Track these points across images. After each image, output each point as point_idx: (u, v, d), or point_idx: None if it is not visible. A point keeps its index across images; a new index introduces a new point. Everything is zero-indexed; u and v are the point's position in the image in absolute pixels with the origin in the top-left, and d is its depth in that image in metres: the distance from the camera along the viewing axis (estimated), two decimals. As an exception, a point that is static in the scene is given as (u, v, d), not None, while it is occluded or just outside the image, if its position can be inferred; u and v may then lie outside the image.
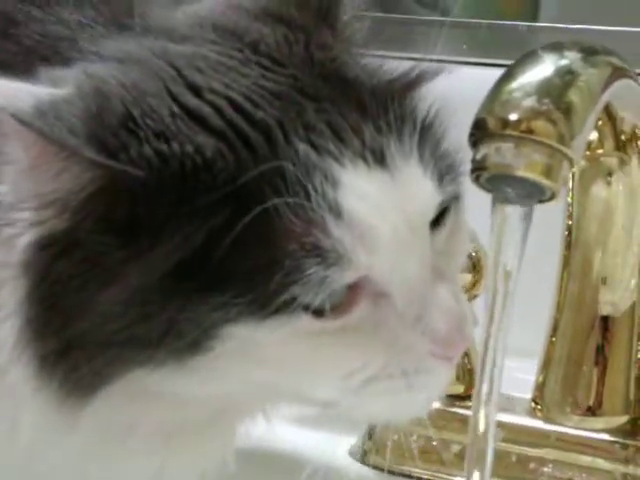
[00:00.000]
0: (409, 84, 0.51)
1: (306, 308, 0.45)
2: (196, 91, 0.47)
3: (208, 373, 0.46)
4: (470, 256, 0.66)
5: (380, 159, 0.46)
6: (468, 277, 0.67)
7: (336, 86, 0.48)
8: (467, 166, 0.51)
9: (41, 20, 0.53)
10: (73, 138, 0.44)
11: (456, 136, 0.52)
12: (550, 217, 0.57)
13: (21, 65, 0.50)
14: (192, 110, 0.46)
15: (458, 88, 0.72)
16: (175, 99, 0.46)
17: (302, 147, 0.45)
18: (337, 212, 0.45)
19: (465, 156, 0.52)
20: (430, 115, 0.50)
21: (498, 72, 0.57)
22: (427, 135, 0.49)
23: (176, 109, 0.46)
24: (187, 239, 0.44)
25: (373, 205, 0.45)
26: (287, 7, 0.51)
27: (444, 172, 0.49)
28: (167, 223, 0.44)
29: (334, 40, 0.51)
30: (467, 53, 0.85)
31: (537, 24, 0.86)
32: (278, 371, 0.47)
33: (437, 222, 0.49)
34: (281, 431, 0.67)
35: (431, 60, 0.87)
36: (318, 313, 0.45)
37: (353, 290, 0.46)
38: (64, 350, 0.46)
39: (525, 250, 0.51)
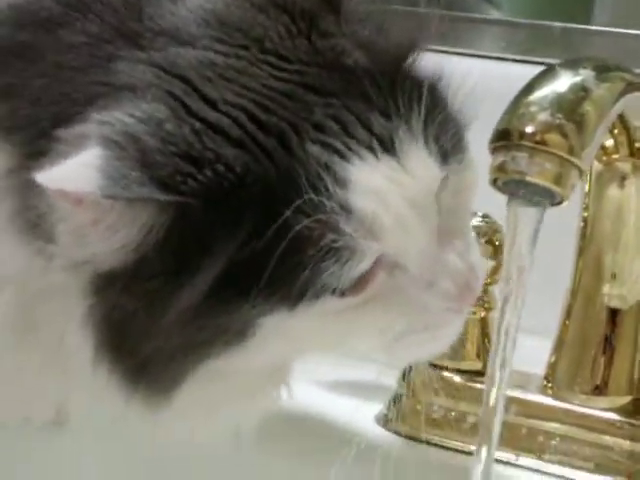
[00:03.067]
0: (408, 53, 0.52)
1: (331, 292, 0.49)
2: (212, 104, 0.48)
3: (257, 352, 0.51)
4: (492, 243, 0.70)
5: (389, 146, 0.49)
6: (490, 263, 0.70)
7: (339, 76, 0.50)
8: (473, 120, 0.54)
9: (54, 49, 0.51)
10: (146, 189, 0.46)
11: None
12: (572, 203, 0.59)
13: (45, 101, 0.50)
14: (212, 123, 0.48)
15: (497, 83, 0.77)
16: (194, 115, 0.48)
17: (314, 149, 0.48)
18: (347, 211, 0.48)
19: (471, 113, 0.53)
20: (434, 86, 0.52)
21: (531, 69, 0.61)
22: (433, 114, 0.50)
23: (197, 125, 0.47)
24: (224, 254, 0.47)
25: (378, 197, 0.48)
26: None
27: (450, 150, 0.51)
28: (210, 244, 0.47)
29: (336, 24, 0.51)
30: (505, 50, 0.90)
31: (570, 25, 0.89)
32: (316, 343, 0.53)
33: (445, 183, 0.52)
34: (311, 395, 0.72)
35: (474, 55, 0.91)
36: (342, 293, 0.49)
37: (371, 267, 0.50)
38: (140, 367, 0.51)
39: (536, 245, 0.55)
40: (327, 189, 0.48)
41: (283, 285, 0.48)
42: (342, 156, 0.48)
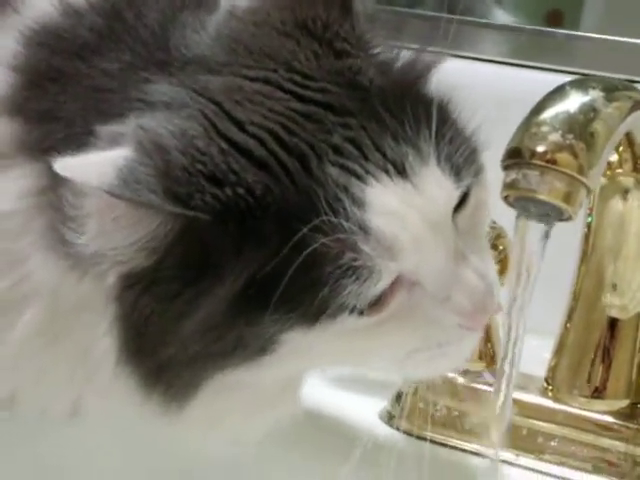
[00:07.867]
0: (418, 76, 0.54)
1: (350, 311, 0.50)
2: (240, 125, 0.50)
3: (275, 367, 0.53)
4: (496, 248, 0.70)
5: (401, 169, 0.50)
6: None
7: (355, 95, 0.51)
8: (487, 141, 0.55)
9: (88, 75, 0.54)
10: (155, 197, 0.47)
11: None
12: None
13: (80, 121, 0.52)
14: (238, 143, 0.49)
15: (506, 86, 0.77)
16: (222, 135, 0.49)
17: (332, 171, 0.49)
18: (365, 231, 0.49)
19: (484, 132, 0.54)
20: (444, 106, 0.53)
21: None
22: (443, 132, 0.52)
23: (224, 145, 0.49)
24: (244, 270, 0.49)
25: (395, 217, 0.50)
26: (314, 9, 0.53)
27: (462, 165, 0.52)
28: (229, 258, 0.49)
29: (353, 44, 0.53)
30: (509, 55, 0.91)
31: (576, 33, 0.91)
32: (332, 359, 0.54)
33: (461, 203, 0.53)
34: (314, 391, 0.69)
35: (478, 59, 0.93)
36: (361, 312, 0.51)
37: (389, 286, 0.51)
38: (157, 371, 0.52)
39: (543, 257, 0.57)
40: (345, 210, 0.49)
41: (303, 301, 0.49)
42: (359, 178, 0.50)
